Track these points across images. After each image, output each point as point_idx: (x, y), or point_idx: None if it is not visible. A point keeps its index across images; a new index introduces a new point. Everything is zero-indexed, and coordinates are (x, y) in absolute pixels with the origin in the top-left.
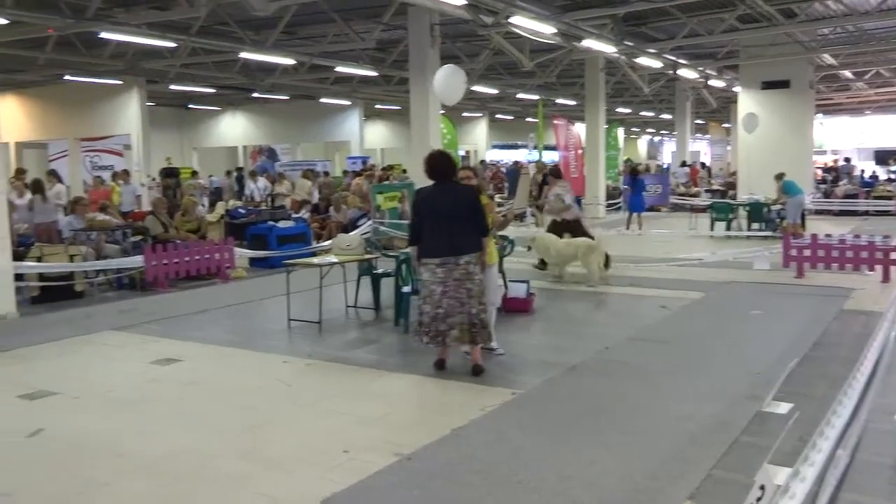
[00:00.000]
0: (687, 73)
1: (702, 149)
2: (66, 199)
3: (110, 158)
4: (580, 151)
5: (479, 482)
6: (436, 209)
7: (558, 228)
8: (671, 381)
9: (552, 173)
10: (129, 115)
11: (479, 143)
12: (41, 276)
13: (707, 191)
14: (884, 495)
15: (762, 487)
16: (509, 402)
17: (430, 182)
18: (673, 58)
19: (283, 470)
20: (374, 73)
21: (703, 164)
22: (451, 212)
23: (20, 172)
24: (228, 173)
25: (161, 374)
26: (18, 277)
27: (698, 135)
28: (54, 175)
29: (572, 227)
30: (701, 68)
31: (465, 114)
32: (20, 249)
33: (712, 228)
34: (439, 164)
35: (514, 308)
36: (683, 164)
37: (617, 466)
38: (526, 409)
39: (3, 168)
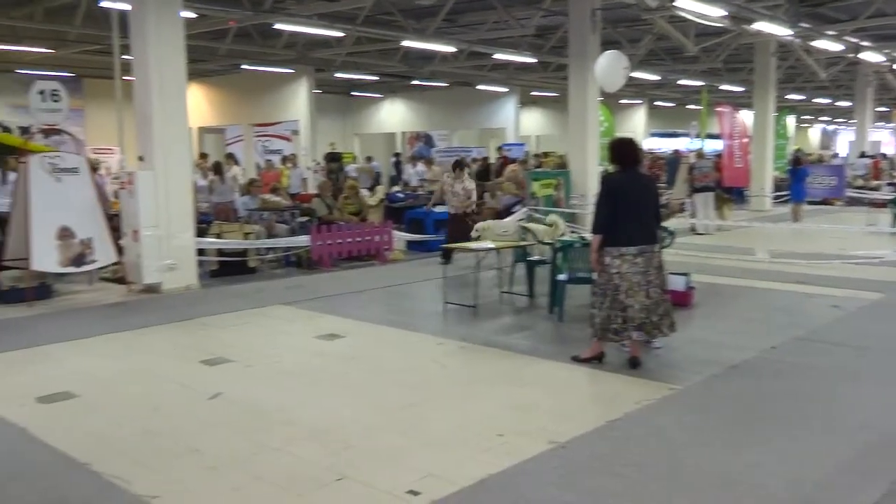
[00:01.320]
0: (870, 57)
1: (884, 138)
2: (241, 180)
3: (279, 143)
4: (746, 140)
5: (636, 476)
6: (630, 197)
7: None
8: (847, 387)
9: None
10: (298, 101)
11: (636, 130)
12: (219, 252)
13: (889, 184)
14: None
15: None
16: (667, 398)
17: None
18: (855, 40)
19: (440, 448)
20: (532, 60)
21: (884, 156)
22: (643, 199)
23: (203, 156)
24: (369, 159)
25: (325, 349)
26: (200, 252)
27: (880, 123)
28: (232, 158)
29: None
30: (887, 51)
31: (622, 101)
32: (201, 226)
33: (894, 225)
34: (629, 150)
35: (674, 301)
36: (863, 154)
37: (785, 472)
38: (685, 406)
39: (190, 152)
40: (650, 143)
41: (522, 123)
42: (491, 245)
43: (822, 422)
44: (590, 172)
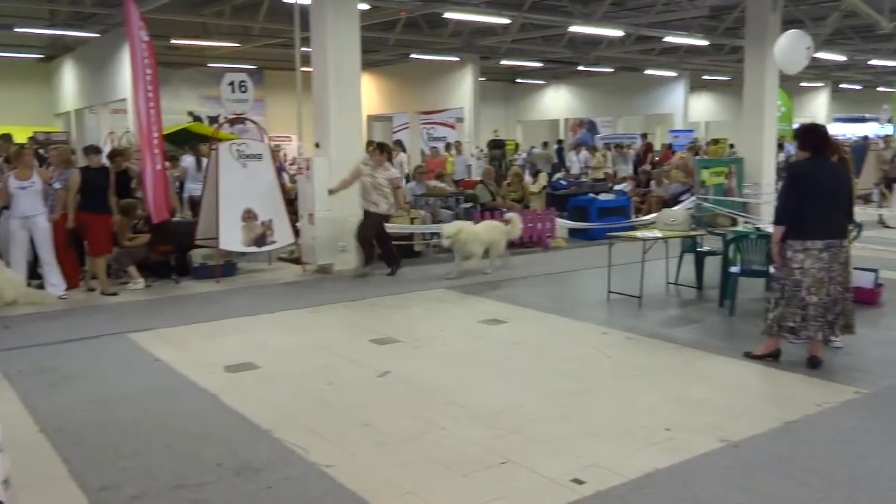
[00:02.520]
0: None
1: None
2: (408, 167)
3: (443, 130)
4: None
5: (816, 482)
6: (820, 187)
7: None
8: None
9: None
10: (463, 89)
11: (817, 115)
12: None
13: None
14: None
15: None
16: (852, 402)
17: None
18: None
19: (605, 438)
20: (704, 42)
21: None
22: (834, 191)
23: (371, 143)
24: (545, 144)
25: (488, 333)
26: None
27: None
28: (399, 145)
29: None
30: None
31: (803, 84)
32: None
33: None
34: (821, 137)
35: (859, 299)
36: None
37: None
38: (871, 411)
39: (361, 139)
40: (833, 129)
41: (691, 109)
42: (658, 234)
43: None
44: (765, 160)
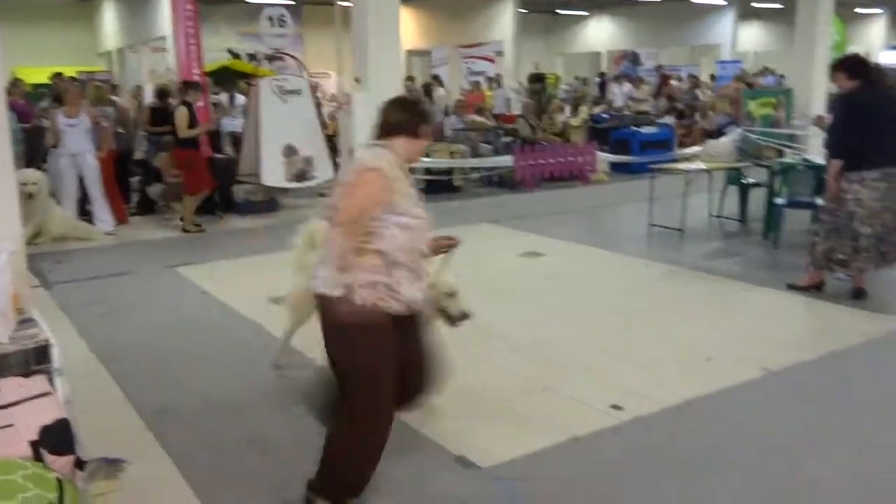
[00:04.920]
0: None
1: None
2: (447, 102)
3: (483, 64)
4: None
5: (858, 410)
6: (875, 117)
7: None
8: None
9: None
10: (503, 22)
11: (873, 44)
12: (426, 171)
13: None
14: None
15: None
16: None
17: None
18: None
19: (646, 368)
20: None
21: None
22: (891, 118)
23: (410, 79)
24: (584, 81)
25: (528, 267)
26: (410, 171)
27: None
28: (437, 80)
29: None
30: None
31: (858, 9)
32: None
33: None
34: (868, 65)
35: None
36: None
37: None
38: None
39: (401, 75)
40: (889, 58)
41: (740, 38)
42: (702, 166)
43: None
44: (815, 91)
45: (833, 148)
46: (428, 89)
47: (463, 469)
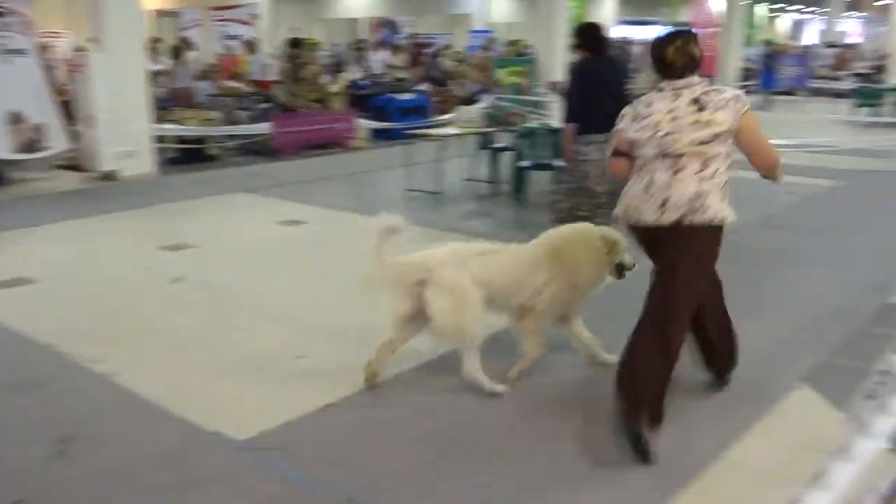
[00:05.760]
0: None
1: (852, 29)
2: (199, 66)
3: (239, 28)
4: (714, 30)
5: None
6: (604, 83)
7: None
8: (795, 269)
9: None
10: None
11: (607, 17)
12: (179, 139)
13: (856, 74)
14: None
15: (882, 373)
16: None
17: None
18: None
19: None
20: None
21: (850, 46)
22: (617, 84)
23: (155, 40)
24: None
25: (287, 234)
26: (159, 140)
27: (852, 13)
28: (185, 43)
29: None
30: None
31: None
32: (160, 112)
33: (854, 115)
34: (599, 34)
35: None
36: (831, 45)
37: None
38: None
39: (143, 35)
40: (620, 31)
41: (494, 9)
42: (455, 131)
43: (770, 301)
44: (556, 60)
45: (567, 113)
46: (177, 52)
47: (221, 443)
